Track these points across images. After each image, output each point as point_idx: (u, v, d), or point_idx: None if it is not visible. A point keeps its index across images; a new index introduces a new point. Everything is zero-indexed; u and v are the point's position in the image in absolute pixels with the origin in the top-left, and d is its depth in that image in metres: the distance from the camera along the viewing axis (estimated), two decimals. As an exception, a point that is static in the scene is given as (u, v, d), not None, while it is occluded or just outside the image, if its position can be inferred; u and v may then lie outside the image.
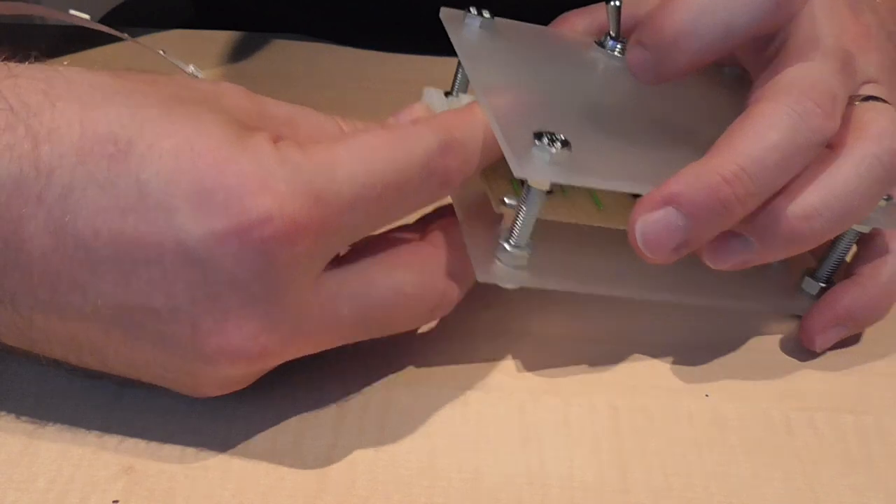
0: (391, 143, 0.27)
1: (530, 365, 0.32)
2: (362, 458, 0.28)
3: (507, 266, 0.29)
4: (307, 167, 0.25)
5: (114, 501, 0.26)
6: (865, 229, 0.33)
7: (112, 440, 0.28)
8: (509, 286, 0.29)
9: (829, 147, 0.30)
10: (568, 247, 0.32)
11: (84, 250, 0.24)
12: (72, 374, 0.30)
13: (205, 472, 0.27)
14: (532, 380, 0.31)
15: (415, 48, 0.51)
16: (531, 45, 0.36)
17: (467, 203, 0.31)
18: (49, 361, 0.27)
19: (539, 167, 0.27)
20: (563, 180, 0.28)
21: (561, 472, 0.28)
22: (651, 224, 0.28)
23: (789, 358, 0.33)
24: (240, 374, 0.27)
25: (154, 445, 0.28)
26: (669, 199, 0.27)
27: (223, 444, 0.28)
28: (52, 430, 0.28)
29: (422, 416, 0.29)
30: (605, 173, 0.29)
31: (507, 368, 0.31)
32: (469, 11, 0.35)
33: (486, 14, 0.35)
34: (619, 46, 0.36)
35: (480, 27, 0.35)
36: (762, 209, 0.29)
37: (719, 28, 0.29)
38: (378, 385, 0.30)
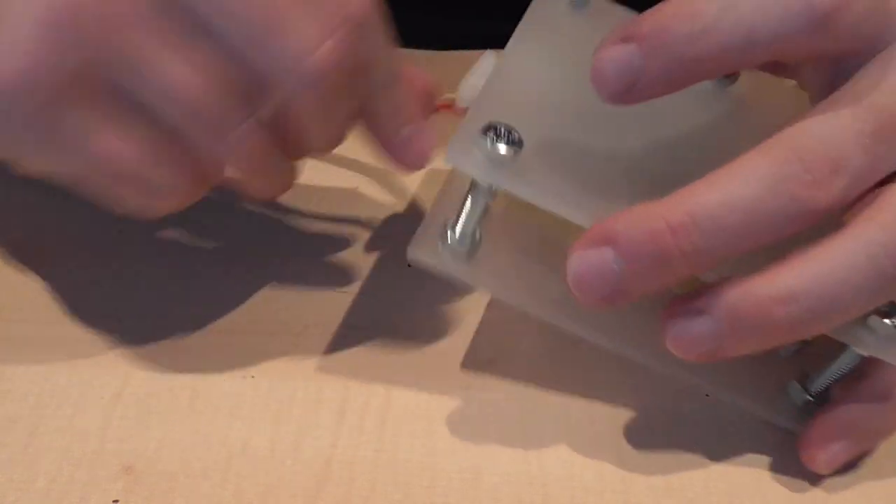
0: None
1: (530, 365, 0.32)
2: (362, 458, 0.28)
3: (445, 252, 0.28)
4: None
5: (114, 501, 0.26)
6: (863, 353, 0.27)
7: (112, 440, 0.28)
8: (438, 271, 0.28)
9: (840, 225, 0.25)
10: (529, 256, 0.30)
11: None
12: (71, 372, 0.30)
13: (205, 472, 0.27)
14: (532, 379, 0.31)
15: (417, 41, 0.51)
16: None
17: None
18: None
19: (472, 161, 0.26)
20: (492, 181, 0.26)
21: (561, 473, 0.28)
22: (584, 262, 0.25)
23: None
24: None
25: (154, 445, 0.28)
26: (607, 237, 0.24)
27: (223, 444, 0.28)
28: (52, 430, 0.28)
29: (422, 416, 0.29)
30: (545, 188, 0.26)
31: (507, 368, 0.31)
32: None
33: None
34: None
35: (570, 5, 0.33)
36: (731, 284, 0.25)
37: (742, 30, 0.25)
38: (378, 385, 0.30)
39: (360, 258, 0.35)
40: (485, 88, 0.29)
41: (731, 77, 0.32)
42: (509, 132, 0.26)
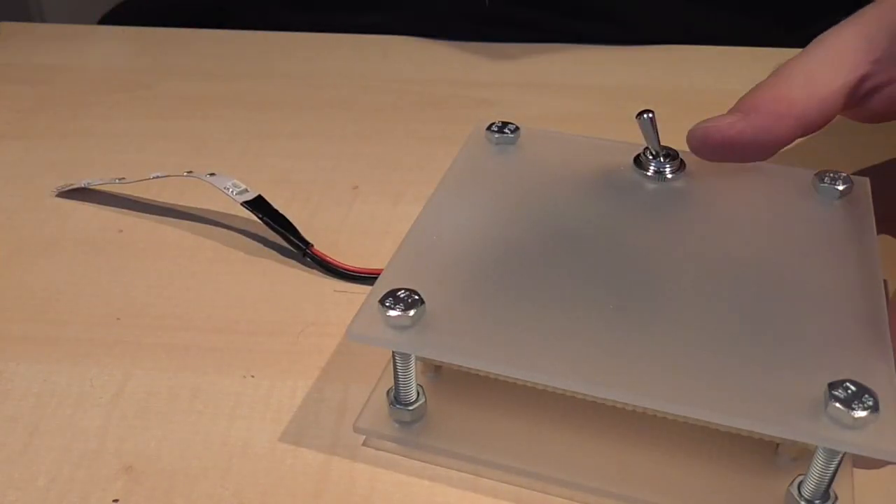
0: None
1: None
2: (362, 459, 0.28)
3: (392, 422, 0.28)
4: None
5: (114, 501, 0.26)
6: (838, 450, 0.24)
7: (112, 440, 0.28)
8: (384, 442, 0.28)
9: None
10: (479, 409, 0.29)
11: None
12: (71, 372, 0.30)
13: (205, 472, 0.27)
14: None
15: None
16: (541, 167, 0.33)
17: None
18: None
19: (373, 332, 0.25)
20: (396, 347, 0.26)
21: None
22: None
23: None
24: None
25: (154, 445, 0.28)
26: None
27: (223, 444, 0.28)
28: (52, 430, 0.28)
29: (422, 416, 0.29)
30: (450, 345, 0.25)
31: (507, 368, 0.31)
32: (491, 129, 0.34)
33: (510, 129, 0.34)
34: (661, 166, 0.32)
35: (496, 144, 0.34)
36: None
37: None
38: (378, 385, 0.30)
39: (360, 258, 0.35)
40: (395, 256, 0.28)
41: (678, 170, 0.32)
42: (410, 295, 0.26)
